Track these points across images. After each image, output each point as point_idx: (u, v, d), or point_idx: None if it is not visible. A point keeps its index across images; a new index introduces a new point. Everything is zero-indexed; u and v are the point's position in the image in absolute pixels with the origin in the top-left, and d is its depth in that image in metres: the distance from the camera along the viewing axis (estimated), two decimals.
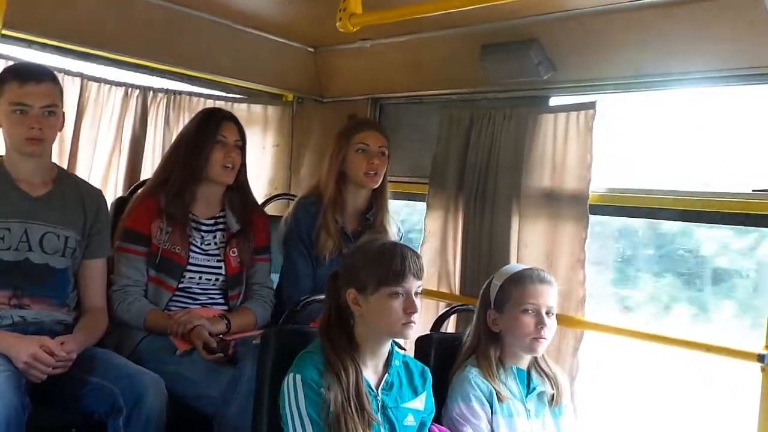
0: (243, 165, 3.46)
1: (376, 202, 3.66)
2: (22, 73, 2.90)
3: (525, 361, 2.91)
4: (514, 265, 3.08)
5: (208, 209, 3.43)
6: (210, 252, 3.37)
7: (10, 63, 3.47)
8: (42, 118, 2.87)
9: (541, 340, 2.81)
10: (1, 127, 2.93)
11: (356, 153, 3.56)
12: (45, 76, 2.92)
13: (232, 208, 3.45)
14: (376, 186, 3.60)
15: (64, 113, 3.03)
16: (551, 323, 2.84)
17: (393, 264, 2.44)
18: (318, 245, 3.54)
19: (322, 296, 2.69)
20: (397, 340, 2.64)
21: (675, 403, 4.04)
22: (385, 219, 3.66)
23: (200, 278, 3.34)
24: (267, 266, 3.56)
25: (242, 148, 3.43)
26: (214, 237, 3.41)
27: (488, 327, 2.89)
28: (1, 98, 2.87)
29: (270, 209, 4.43)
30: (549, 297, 2.86)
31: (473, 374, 2.79)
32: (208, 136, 3.33)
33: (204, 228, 3.39)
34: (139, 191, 3.49)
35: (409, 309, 2.44)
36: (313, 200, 3.60)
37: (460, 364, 2.87)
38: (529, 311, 2.81)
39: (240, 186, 3.48)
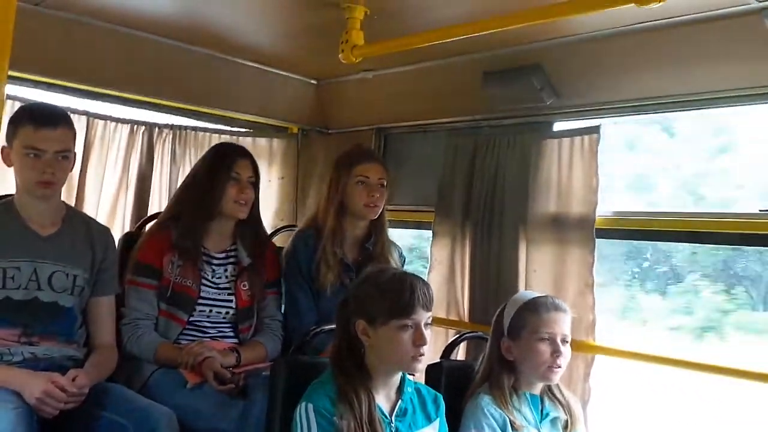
0: (256, 200, 3.45)
1: (376, 231, 3.63)
2: (37, 116, 2.88)
3: (538, 387, 2.89)
4: (527, 293, 3.07)
5: (220, 243, 3.42)
6: (221, 285, 3.37)
7: (17, 103, 3.51)
8: (55, 163, 2.87)
9: (556, 369, 2.80)
10: (12, 166, 2.93)
11: (356, 185, 3.53)
12: (60, 121, 2.92)
13: (243, 242, 3.45)
14: (375, 217, 3.60)
15: (75, 154, 3.04)
16: (567, 352, 2.83)
17: (402, 296, 2.43)
18: (319, 278, 3.51)
19: (330, 326, 2.69)
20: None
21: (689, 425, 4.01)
22: (386, 247, 3.65)
23: (210, 311, 3.33)
24: (278, 299, 3.54)
25: (255, 184, 3.42)
26: (225, 270, 3.40)
27: (502, 355, 2.88)
28: (15, 139, 2.87)
29: (277, 241, 4.43)
30: (564, 325, 2.85)
31: (486, 402, 2.78)
32: (222, 173, 3.32)
33: (215, 262, 3.39)
34: (151, 225, 3.49)
35: (419, 341, 2.43)
36: (311, 233, 3.59)
37: (473, 392, 2.86)
38: (546, 339, 2.80)
39: (252, 220, 3.47)
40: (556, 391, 2.92)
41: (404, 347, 2.43)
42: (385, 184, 3.59)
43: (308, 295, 3.53)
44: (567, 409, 2.90)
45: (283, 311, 3.60)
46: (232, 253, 3.44)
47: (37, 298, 2.89)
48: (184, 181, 3.56)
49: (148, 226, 3.55)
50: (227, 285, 3.39)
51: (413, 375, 2.69)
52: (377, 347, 2.47)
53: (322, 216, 3.60)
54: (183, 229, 3.30)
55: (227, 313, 3.37)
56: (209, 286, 3.34)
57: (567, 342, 2.84)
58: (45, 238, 2.96)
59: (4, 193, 3.14)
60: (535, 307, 2.87)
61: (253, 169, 3.41)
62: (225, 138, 4.52)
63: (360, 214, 3.57)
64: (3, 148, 2.93)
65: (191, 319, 3.28)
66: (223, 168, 3.34)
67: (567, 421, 2.88)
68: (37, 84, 3.72)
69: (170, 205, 3.51)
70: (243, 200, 3.34)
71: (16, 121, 2.90)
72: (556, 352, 2.79)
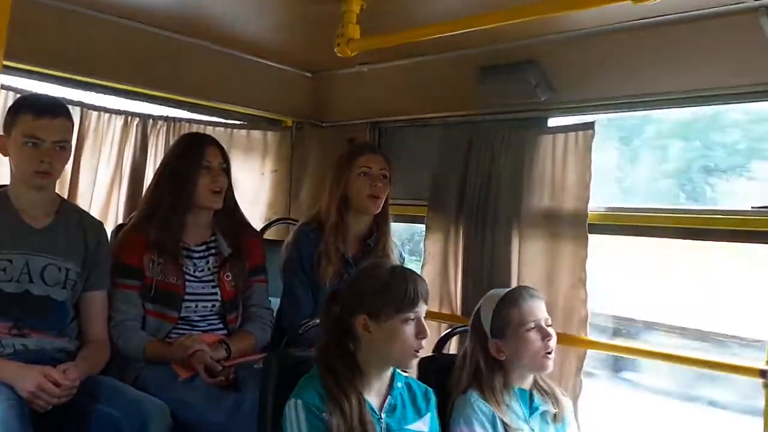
0: (230, 188, 3.43)
1: (378, 228, 3.64)
2: (37, 106, 2.88)
3: (528, 382, 2.91)
4: (497, 290, 3.05)
5: (198, 235, 3.39)
6: (204, 278, 3.35)
7: (10, 93, 3.50)
8: (53, 153, 2.87)
9: (549, 355, 2.82)
10: (8, 156, 2.93)
11: (358, 176, 3.54)
12: (60, 111, 2.92)
13: (222, 232, 3.42)
14: (378, 211, 3.60)
15: (72, 146, 3.04)
16: (553, 333, 2.86)
17: (407, 290, 2.45)
18: (319, 271, 3.52)
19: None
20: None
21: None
22: (388, 244, 3.65)
23: (197, 306, 3.31)
24: (264, 287, 3.52)
25: (227, 171, 3.39)
26: (207, 263, 3.38)
27: (490, 356, 2.87)
28: (14, 128, 2.87)
29: (270, 234, 4.44)
30: (543, 310, 2.89)
31: (475, 398, 2.79)
32: (193, 163, 3.29)
33: (195, 255, 3.36)
34: (126, 225, 3.46)
35: (421, 334, 2.46)
36: (314, 227, 3.59)
37: (460, 390, 2.86)
38: (533, 327, 2.83)
39: (229, 209, 3.44)
40: (543, 384, 2.93)
41: (408, 340, 2.45)
42: (388, 175, 3.60)
43: (306, 288, 3.54)
44: (554, 400, 2.92)
45: (280, 303, 3.61)
46: (212, 245, 3.42)
47: (28, 292, 2.89)
48: (153, 179, 3.50)
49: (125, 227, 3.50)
50: (210, 278, 3.37)
51: (407, 371, 2.70)
52: (378, 342, 2.47)
53: (325, 211, 3.59)
54: (160, 226, 3.27)
55: (213, 305, 3.35)
56: (192, 281, 3.32)
57: (550, 325, 2.88)
58: (38, 230, 2.96)
59: None
60: (513, 301, 2.89)
61: (222, 156, 3.38)
62: (219, 130, 4.51)
63: (362, 207, 3.57)
64: (0, 137, 2.93)
65: (180, 315, 3.28)
66: (193, 157, 3.31)
67: (555, 413, 2.90)
68: (30, 74, 3.69)
69: (143, 204, 3.45)
70: (217, 188, 3.31)
71: (15, 110, 2.90)
72: (546, 337, 2.82)
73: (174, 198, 3.30)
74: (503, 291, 2.98)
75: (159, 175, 3.44)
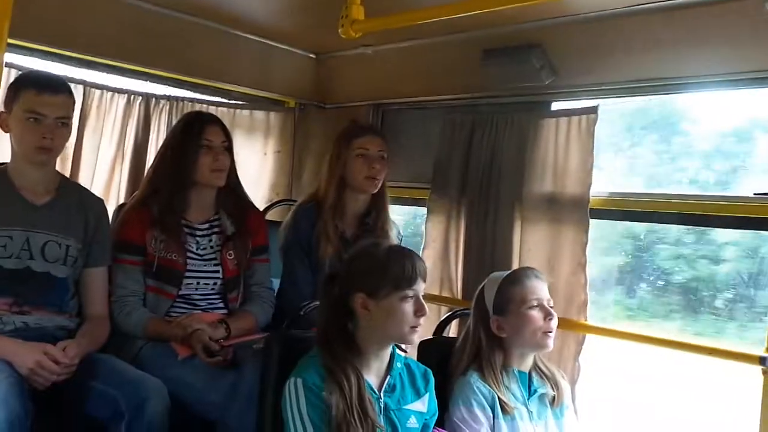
0: (233, 166, 3.43)
1: (376, 207, 3.66)
2: (39, 82, 2.90)
3: (527, 364, 2.92)
4: (501, 272, 3.07)
5: (202, 213, 3.39)
6: (206, 257, 3.35)
7: (13, 70, 3.49)
8: (55, 129, 2.87)
9: (550, 333, 2.84)
10: (10, 132, 2.93)
11: (356, 158, 3.57)
12: (62, 87, 2.93)
13: (225, 211, 3.42)
14: (375, 191, 3.61)
15: (73, 123, 3.04)
16: (554, 314, 2.88)
17: (405, 267, 2.44)
18: (318, 251, 3.54)
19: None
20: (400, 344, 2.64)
21: (676, 406, 4.05)
22: (386, 223, 3.66)
23: (198, 284, 3.31)
24: (266, 266, 3.52)
25: (229, 149, 3.38)
26: (210, 241, 3.38)
27: (492, 333, 2.89)
28: (16, 104, 2.87)
29: (272, 215, 4.43)
30: (546, 291, 2.92)
31: (474, 378, 2.80)
32: (193, 141, 3.29)
33: (198, 233, 3.36)
34: (129, 203, 3.46)
35: (420, 311, 2.45)
36: (312, 206, 3.61)
37: (460, 371, 2.87)
38: (536, 306, 2.85)
39: (232, 187, 3.44)
40: (542, 366, 2.95)
41: (406, 318, 2.44)
42: (386, 156, 3.61)
43: (306, 268, 3.56)
44: (553, 383, 2.93)
45: (280, 284, 3.62)
46: (216, 223, 3.41)
47: (29, 268, 2.89)
48: (155, 158, 3.51)
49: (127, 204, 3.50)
50: (213, 256, 3.37)
51: (405, 352, 2.70)
52: (376, 320, 2.46)
53: (323, 190, 3.62)
54: (162, 203, 3.27)
55: (215, 284, 3.36)
56: (194, 259, 3.32)
57: (552, 306, 2.89)
58: (38, 207, 2.96)
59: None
60: (517, 279, 2.92)
61: (224, 134, 3.37)
62: (222, 110, 4.51)
63: (360, 188, 3.59)
64: (0, 113, 2.93)
65: (180, 292, 3.28)
66: (193, 136, 3.30)
67: (554, 396, 2.91)
68: (33, 52, 3.69)
69: (145, 181, 3.45)
70: (218, 167, 3.31)
71: (17, 86, 2.91)
72: (548, 315, 2.85)
73: (176, 176, 3.30)
74: (506, 272, 3.00)
75: (161, 154, 3.44)
